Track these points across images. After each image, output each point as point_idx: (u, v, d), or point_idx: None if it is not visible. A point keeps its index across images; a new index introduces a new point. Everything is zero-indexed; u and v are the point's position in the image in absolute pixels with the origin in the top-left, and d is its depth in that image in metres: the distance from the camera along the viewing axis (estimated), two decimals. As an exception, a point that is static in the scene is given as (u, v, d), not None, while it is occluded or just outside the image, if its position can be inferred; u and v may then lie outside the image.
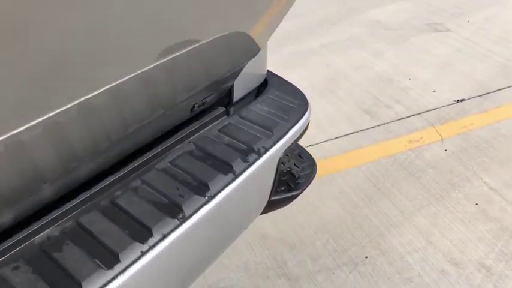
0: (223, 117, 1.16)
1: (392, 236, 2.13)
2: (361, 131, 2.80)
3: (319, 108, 3.00)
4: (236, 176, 0.99)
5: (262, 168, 1.05)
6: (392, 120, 2.87)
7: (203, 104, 1.14)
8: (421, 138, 2.71)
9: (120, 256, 0.84)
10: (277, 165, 1.11)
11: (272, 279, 1.97)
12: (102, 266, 0.83)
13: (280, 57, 3.59)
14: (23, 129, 0.67)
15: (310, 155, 1.41)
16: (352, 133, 2.79)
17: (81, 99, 0.73)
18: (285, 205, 1.30)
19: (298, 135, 1.15)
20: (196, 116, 1.13)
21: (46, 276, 0.81)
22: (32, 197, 0.85)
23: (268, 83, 1.27)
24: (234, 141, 1.08)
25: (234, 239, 1.24)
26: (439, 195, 2.32)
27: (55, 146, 0.77)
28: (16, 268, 0.82)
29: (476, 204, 2.27)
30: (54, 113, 0.70)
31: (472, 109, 2.92)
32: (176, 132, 1.10)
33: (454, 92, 3.08)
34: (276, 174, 1.13)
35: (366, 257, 2.04)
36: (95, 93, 0.74)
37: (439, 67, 3.38)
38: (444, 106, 2.96)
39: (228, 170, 1.00)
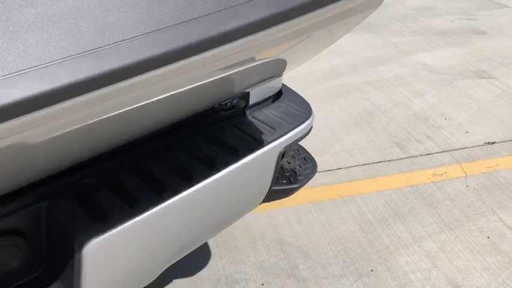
0: (239, 116, 1.44)
1: (400, 255, 2.28)
2: (388, 160, 2.98)
3: (352, 137, 3.22)
4: (240, 158, 1.26)
5: (263, 157, 1.31)
6: (420, 154, 3.03)
7: (225, 105, 1.43)
8: (445, 172, 2.85)
9: (140, 202, 1.13)
10: (278, 158, 1.36)
11: (282, 278, 2.18)
12: (126, 206, 1.12)
13: (323, 89, 3.85)
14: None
15: (314, 160, 1.65)
16: (379, 162, 2.97)
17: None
18: (285, 196, 1.55)
19: (298, 136, 1.40)
20: (219, 111, 1.42)
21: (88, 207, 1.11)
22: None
23: (282, 93, 1.55)
24: (244, 134, 1.35)
25: (235, 218, 1.49)
26: (452, 225, 2.45)
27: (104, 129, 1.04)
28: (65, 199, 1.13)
29: (488, 237, 2.37)
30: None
31: (501, 152, 3.02)
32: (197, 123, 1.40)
33: (486, 135, 3.20)
34: (276, 166, 1.38)
35: (372, 270, 2.20)
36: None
37: (476, 111, 3.50)
38: (474, 146, 3.08)
39: (234, 153, 1.27)
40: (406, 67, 4.24)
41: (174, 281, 2.18)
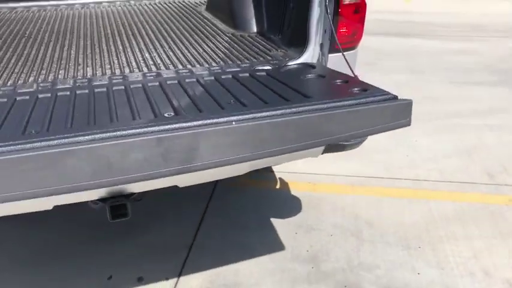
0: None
1: (449, 244, 2.78)
2: (473, 183, 3.42)
3: (451, 163, 3.71)
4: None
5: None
6: (505, 184, 3.39)
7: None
8: (523, 201, 3.19)
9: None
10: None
11: (347, 235, 2.87)
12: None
13: (439, 126, 4.38)
14: None
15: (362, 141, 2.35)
16: (464, 182, 3.43)
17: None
18: (338, 151, 2.28)
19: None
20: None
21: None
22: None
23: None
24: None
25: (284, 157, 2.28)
26: (507, 235, 2.84)
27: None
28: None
29: (536, 251, 2.72)
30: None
31: None
32: None
33: None
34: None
35: (419, 247, 2.76)
36: None
37: None
38: None
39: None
40: (531, 119, 4.49)
41: (271, 219, 3.03)
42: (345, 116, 1.57)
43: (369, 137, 4.11)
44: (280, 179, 3.49)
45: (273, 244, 2.80)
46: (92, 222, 2.95)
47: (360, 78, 2.06)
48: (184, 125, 1.47)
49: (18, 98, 1.74)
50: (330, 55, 2.24)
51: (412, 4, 10.84)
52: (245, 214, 3.08)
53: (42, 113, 1.59)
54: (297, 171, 3.55)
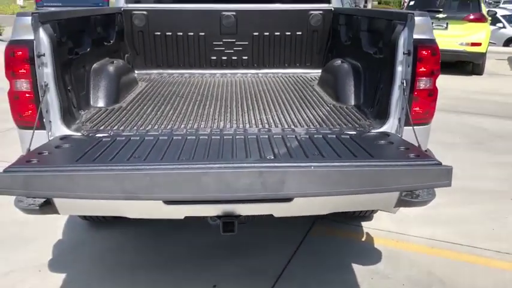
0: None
1: None
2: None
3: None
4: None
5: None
6: None
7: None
8: None
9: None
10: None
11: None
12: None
13: None
14: None
15: (435, 194, 2.73)
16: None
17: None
18: (410, 206, 2.72)
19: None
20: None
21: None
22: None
23: None
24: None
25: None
26: None
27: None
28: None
29: None
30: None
31: None
32: None
33: None
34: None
35: None
36: None
37: None
38: None
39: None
40: None
41: (352, 264, 3.51)
42: (395, 173, 2.13)
43: (458, 209, 4.60)
44: (366, 233, 3.95)
45: (351, 283, 3.27)
46: (209, 242, 3.71)
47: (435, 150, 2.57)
48: (278, 164, 2.16)
49: (174, 138, 2.59)
50: (405, 127, 2.79)
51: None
52: (330, 257, 3.60)
53: (190, 148, 2.40)
54: (383, 229, 3.98)
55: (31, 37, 2.54)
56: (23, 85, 2.60)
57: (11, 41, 2.57)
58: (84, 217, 3.77)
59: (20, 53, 2.54)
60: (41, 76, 2.59)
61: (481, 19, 10.84)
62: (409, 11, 2.78)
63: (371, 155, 2.27)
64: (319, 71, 4.50)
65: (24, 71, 2.57)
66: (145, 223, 3.62)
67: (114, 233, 3.85)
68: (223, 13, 4.56)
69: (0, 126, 6.29)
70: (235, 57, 4.72)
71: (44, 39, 2.59)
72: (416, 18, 2.67)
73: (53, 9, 16.14)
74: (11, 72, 2.57)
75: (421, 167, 2.15)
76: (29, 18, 2.52)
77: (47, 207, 2.37)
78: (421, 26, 2.68)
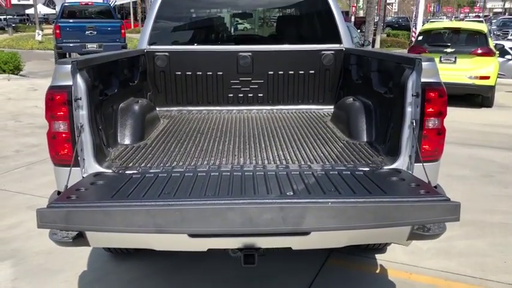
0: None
1: None
2: None
3: None
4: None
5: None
6: None
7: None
8: None
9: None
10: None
11: None
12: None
13: None
14: None
15: (445, 227, 2.87)
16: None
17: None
18: (422, 239, 2.85)
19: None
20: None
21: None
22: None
23: None
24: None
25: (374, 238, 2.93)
26: None
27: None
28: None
29: None
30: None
31: None
32: None
33: None
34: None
35: None
36: None
37: None
38: None
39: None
40: None
41: None
42: (406, 209, 2.29)
43: (470, 241, 4.70)
44: (380, 265, 4.06)
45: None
46: (228, 274, 3.85)
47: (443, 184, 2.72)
48: (297, 200, 2.34)
49: (199, 174, 2.78)
50: (416, 164, 2.96)
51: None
52: (345, 286, 3.72)
53: (214, 184, 2.58)
54: (397, 261, 4.08)
55: (70, 83, 2.78)
56: (61, 126, 2.82)
57: (52, 87, 2.81)
58: (109, 249, 3.93)
59: (59, 97, 2.78)
60: (77, 118, 2.82)
61: (489, 53, 11.05)
62: (417, 56, 2.99)
63: (384, 192, 2.44)
64: (332, 107, 4.72)
65: (62, 113, 2.80)
66: (163, 254, 3.77)
67: (135, 264, 4.01)
68: (240, 54, 4.82)
69: (25, 160, 6.57)
70: (251, 95, 4.96)
71: (80, 84, 2.83)
72: (424, 64, 2.87)
73: (71, 45, 16.88)
74: (51, 114, 2.80)
75: (431, 203, 2.31)
76: (69, 66, 2.77)
77: (80, 239, 2.55)
78: (428, 71, 2.88)
